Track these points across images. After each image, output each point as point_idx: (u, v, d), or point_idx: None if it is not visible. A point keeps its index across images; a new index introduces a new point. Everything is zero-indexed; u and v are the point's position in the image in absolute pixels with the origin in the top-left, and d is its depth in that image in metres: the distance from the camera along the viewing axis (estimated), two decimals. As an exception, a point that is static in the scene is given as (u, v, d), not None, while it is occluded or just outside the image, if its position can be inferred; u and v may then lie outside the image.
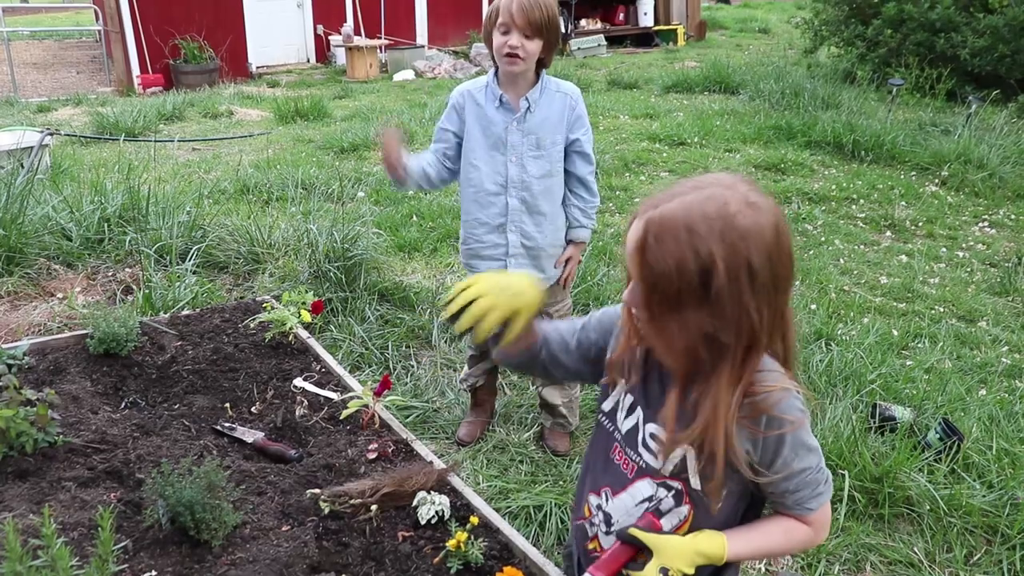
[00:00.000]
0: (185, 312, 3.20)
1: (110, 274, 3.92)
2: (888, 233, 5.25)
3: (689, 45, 15.17)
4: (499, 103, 2.43)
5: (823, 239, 5.02)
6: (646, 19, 15.41)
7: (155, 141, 7.12)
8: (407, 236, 4.69)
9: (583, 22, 14.95)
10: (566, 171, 2.54)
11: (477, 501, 2.06)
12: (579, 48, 13.85)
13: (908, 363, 3.42)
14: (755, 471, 1.19)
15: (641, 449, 1.28)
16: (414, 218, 5.05)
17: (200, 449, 2.25)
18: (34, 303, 3.59)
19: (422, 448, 2.30)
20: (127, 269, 3.94)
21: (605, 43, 14.28)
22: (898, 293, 4.25)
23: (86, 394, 2.49)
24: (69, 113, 9.14)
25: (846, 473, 2.52)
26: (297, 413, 2.47)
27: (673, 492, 1.26)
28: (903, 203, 5.74)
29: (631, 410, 1.30)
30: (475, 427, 2.86)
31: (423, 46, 13.46)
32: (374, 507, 1.96)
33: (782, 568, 2.31)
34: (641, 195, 5.66)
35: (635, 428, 1.29)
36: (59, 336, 2.86)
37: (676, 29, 15.26)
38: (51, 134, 6.04)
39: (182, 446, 2.26)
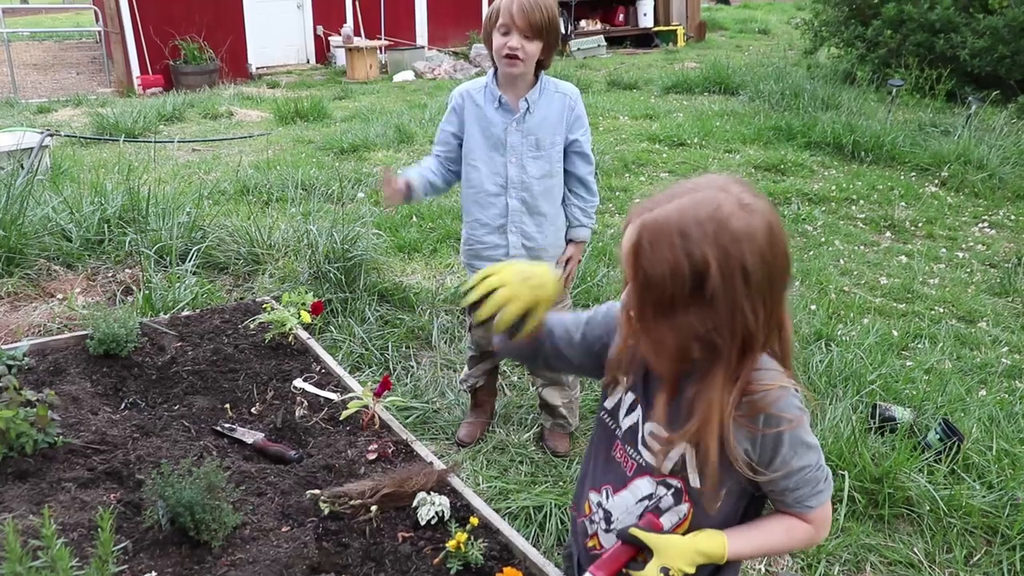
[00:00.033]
0: (185, 313, 3.20)
1: (110, 275, 3.92)
2: (888, 234, 5.25)
3: (689, 46, 15.17)
4: (498, 104, 2.43)
5: (823, 240, 5.02)
6: (646, 20, 15.41)
7: (155, 142, 7.12)
8: (407, 237, 4.69)
9: (583, 23, 14.95)
10: (566, 171, 2.54)
11: (477, 502, 2.06)
12: (579, 49, 13.85)
13: (908, 364, 3.42)
14: (754, 470, 1.19)
15: (640, 447, 1.28)
16: (414, 219, 5.05)
17: (200, 450, 2.25)
18: (34, 304, 3.59)
19: (422, 449, 2.31)
20: (127, 270, 3.94)
21: (605, 44, 14.28)
22: (898, 294, 4.25)
23: (86, 395, 2.49)
24: (69, 114, 9.15)
25: (846, 473, 2.52)
26: (297, 414, 2.48)
27: (672, 490, 1.26)
28: (903, 204, 5.74)
29: (631, 408, 1.31)
30: (475, 428, 2.86)
31: (423, 47, 13.47)
32: (374, 508, 1.96)
33: (782, 569, 2.31)
34: (641, 195, 5.66)
35: (635, 426, 1.30)
36: (59, 337, 2.87)
37: (676, 30, 15.26)
38: (51, 135, 6.04)
39: (182, 447, 2.26)
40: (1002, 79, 8.86)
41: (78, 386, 2.52)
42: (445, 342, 3.49)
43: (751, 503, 1.29)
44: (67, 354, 2.74)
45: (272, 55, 12.77)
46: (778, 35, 16.40)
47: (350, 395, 2.48)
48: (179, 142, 7.28)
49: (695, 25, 15.91)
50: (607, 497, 1.34)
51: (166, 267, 3.92)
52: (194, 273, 3.87)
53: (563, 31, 13.12)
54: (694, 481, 1.23)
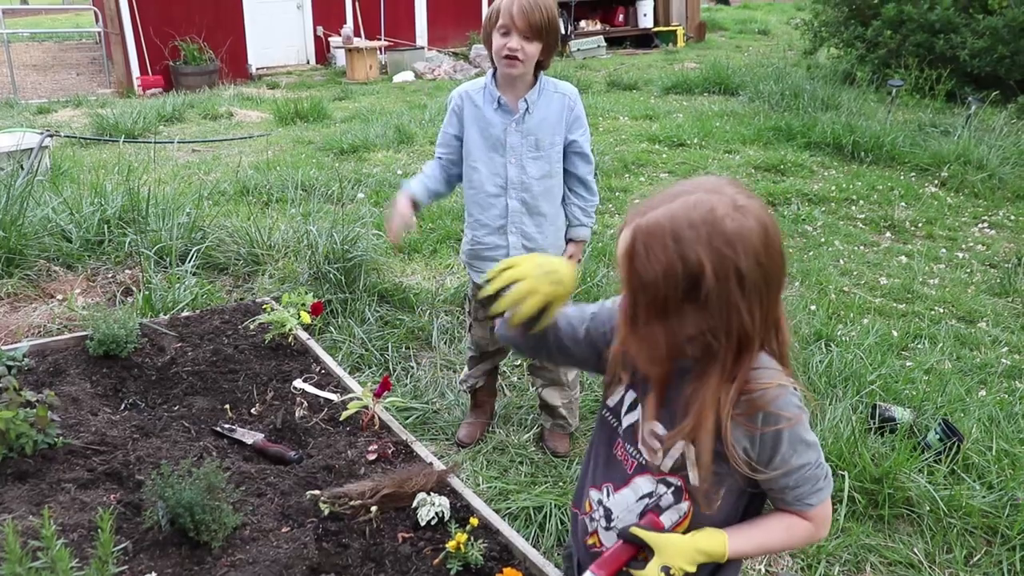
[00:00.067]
0: (185, 314, 3.20)
1: (110, 276, 3.92)
2: (888, 234, 5.25)
3: (689, 46, 15.18)
4: (497, 105, 2.43)
5: (823, 240, 5.02)
6: (646, 20, 15.42)
7: (155, 143, 7.12)
8: (406, 237, 4.68)
9: (583, 23, 14.95)
10: (566, 171, 2.54)
11: (477, 502, 2.06)
12: (579, 49, 13.86)
13: (908, 364, 3.42)
14: (753, 468, 1.19)
15: (640, 446, 1.29)
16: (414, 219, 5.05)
17: (200, 450, 2.25)
18: (34, 305, 3.59)
19: (422, 449, 2.31)
20: (127, 271, 3.94)
21: (605, 44, 14.29)
22: (898, 294, 4.25)
23: (86, 396, 2.49)
24: (69, 115, 9.15)
25: (846, 474, 2.52)
26: (297, 414, 2.48)
27: (673, 489, 1.27)
28: (903, 204, 5.74)
29: (632, 407, 1.31)
30: (475, 428, 2.86)
31: (423, 47, 13.47)
32: (374, 508, 1.96)
33: (782, 569, 2.31)
34: (641, 196, 5.66)
35: (635, 424, 1.30)
36: (59, 338, 2.87)
37: (676, 30, 15.27)
38: (51, 136, 6.04)
39: (182, 447, 2.26)
40: (1002, 79, 8.86)
41: (78, 387, 2.53)
42: (445, 343, 3.49)
43: (751, 502, 1.29)
44: (67, 355, 2.74)
45: (272, 56, 12.77)
46: (778, 35, 16.40)
47: (350, 396, 2.48)
48: (179, 143, 7.28)
49: (695, 25, 15.91)
50: (608, 495, 1.34)
51: (166, 268, 3.92)
52: (194, 274, 3.87)
53: (563, 31, 13.15)
54: (694, 479, 1.24)
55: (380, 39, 13.04)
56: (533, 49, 2.31)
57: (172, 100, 9.41)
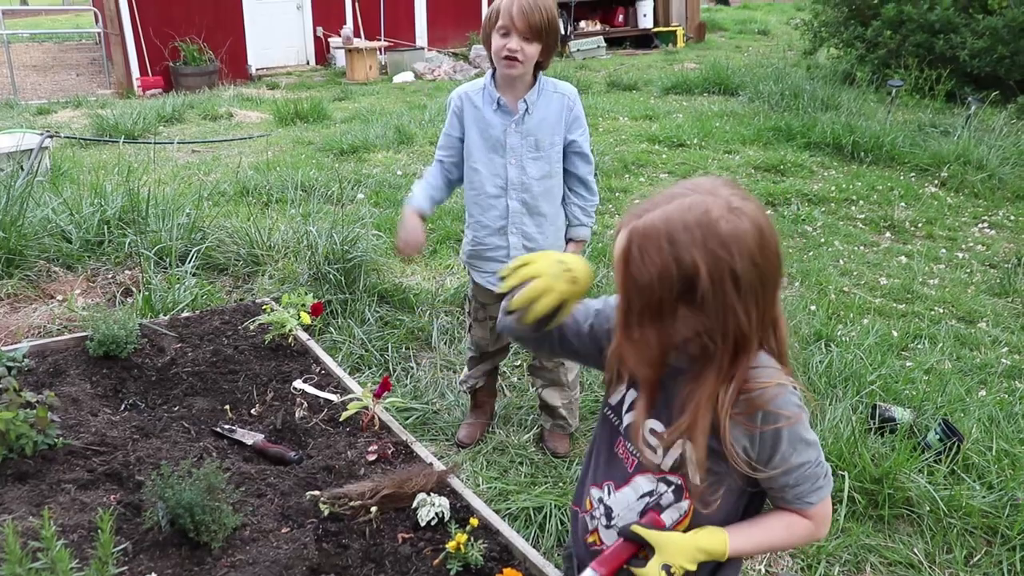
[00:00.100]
0: (185, 314, 3.20)
1: (110, 276, 3.92)
2: (888, 234, 5.25)
3: (688, 47, 15.18)
4: (496, 106, 2.43)
5: (823, 240, 5.02)
6: (645, 21, 15.42)
7: (155, 143, 7.12)
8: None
9: (582, 24, 14.96)
10: (566, 171, 2.54)
11: (477, 503, 2.06)
12: (578, 50, 13.86)
13: (908, 364, 3.42)
14: (753, 467, 1.20)
15: (641, 444, 1.29)
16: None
17: (200, 451, 2.25)
18: (34, 305, 3.59)
19: (422, 450, 2.31)
20: (127, 271, 3.94)
21: (604, 45, 14.29)
22: (898, 294, 4.25)
23: (86, 396, 2.49)
24: (69, 115, 9.15)
25: (846, 474, 2.52)
26: (297, 415, 2.48)
27: (673, 487, 1.27)
28: (903, 204, 5.74)
29: (633, 405, 1.31)
30: (475, 429, 2.86)
31: (423, 48, 13.47)
32: (374, 509, 1.96)
33: (782, 569, 2.31)
34: (641, 196, 5.66)
35: (635, 423, 1.30)
36: (59, 338, 2.87)
37: (675, 31, 15.27)
38: (51, 136, 6.04)
39: (182, 448, 2.26)
40: (1001, 79, 8.86)
41: (78, 387, 2.53)
42: (445, 343, 3.49)
43: (751, 501, 1.29)
44: (67, 355, 2.74)
45: (272, 56, 12.78)
46: (778, 36, 16.40)
47: (350, 396, 2.48)
48: (179, 143, 7.28)
49: (695, 26, 15.92)
50: (608, 493, 1.35)
51: (166, 268, 3.92)
52: (194, 274, 3.87)
53: (562, 32, 13.15)
54: (695, 478, 1.24)
55: (380, 40, 13.04)
56: (533, 50, 2.31)
57: (172, 101, 9.41)
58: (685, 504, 1.26)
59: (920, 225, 5.37)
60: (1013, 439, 2.79)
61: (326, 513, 1.97)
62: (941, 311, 4.05)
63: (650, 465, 1.28)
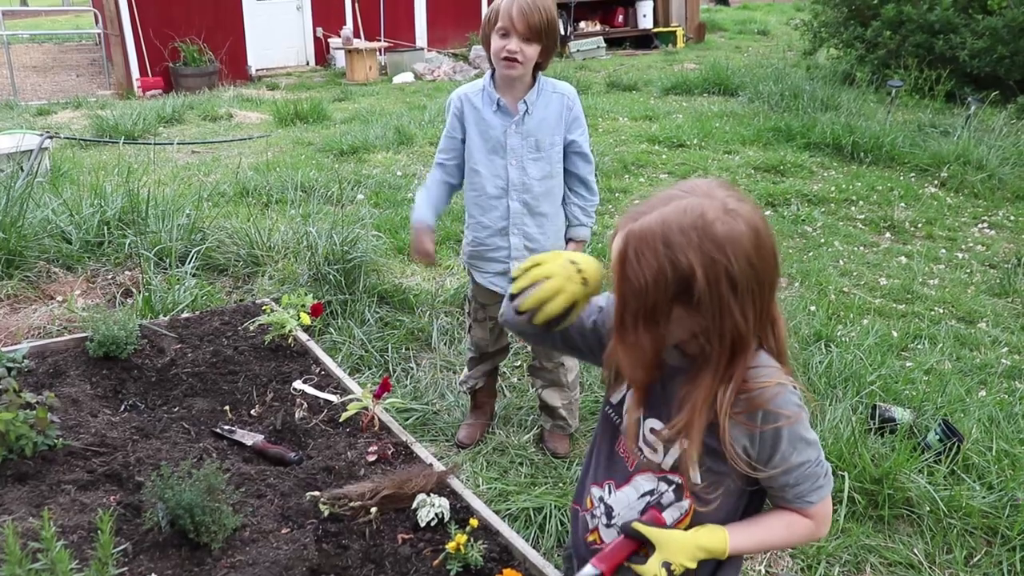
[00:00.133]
0: (185, 315, 3.20)
1: (110, 277, 3.92)
2: (887, 234, 5.25)
3: (688, 47, 15.18)
4: (496, 107, 2.42)
5: (822, 241, 5.02)
6: (645, 21, 15.42)
7: (155, 144, 7.12)
8: (406, 238, 4.68)
9: (582, 24, 14.96)
10: (566, 171, 2.54)
11: (477, 503, 2.06)
12: (578, 50, 13.86)
13: (908, 364, 3.42)
14: (753, 467, 1.20)
15: (641, 443, 1.29)
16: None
17: (200, 452, 2.25)
18: (34, 306, 3.59)
19: (422, 450, 2.31)
20: (127, 272, 3.94)
21: (604, 45, 14.29)
22: (898, 294, 4.25)
23: (86, 397, 2.49)
24: (69, 116, 9.15)
25: (846, 474, 2.52)
26: (297, 416, 2.48)
27: (674, 486, 1.27)
28: (902, 204, 5.74)
29: (632, 404, 1.31)
30: (475, 429, 2.86)
31: (423, 48, 13.47)
32: (374, 509, 1.96)
33: (782, 569, 2.31)
34: (640, 197, 5.66)
35: (630, 422, 1.30)
36: (59, 339, 2.87)
37: (675, 31, 15.27)
38: (51, 137, 6.04)
39: (181, 449, 2.26)
40: (1001, 80, 8.86)
41: (78, 388, 2.53)
42: (445, 344, 3.49)
43: (751, 500, 1.29)
44: (67, 356, 2.74)
45: (272, 57, 12.78)
46: (777, 36, 16.40)
47: (350, 397, 2.48)
48: (179, 144, 7.28)
49: (694, 26, 15.92)
50: (609, 492, 1.35)
51: (166, 269, 3.92)
52: (194, 275, 3.87)
53: (562, 32, 13.16)
54: (695, 477, 1.24)
55: (380, 40, 13.04)
56: (532, 51, 2.31)
57: (172, 101, 9.41)
58: (686, 503, 1.27)
59: (920, 225, 5.37)
60: (1013, 439, 2.79)
61: (326, 514, 1.97)
62: (941, 311, 4.05)
63: (651, 464, 1.28)
